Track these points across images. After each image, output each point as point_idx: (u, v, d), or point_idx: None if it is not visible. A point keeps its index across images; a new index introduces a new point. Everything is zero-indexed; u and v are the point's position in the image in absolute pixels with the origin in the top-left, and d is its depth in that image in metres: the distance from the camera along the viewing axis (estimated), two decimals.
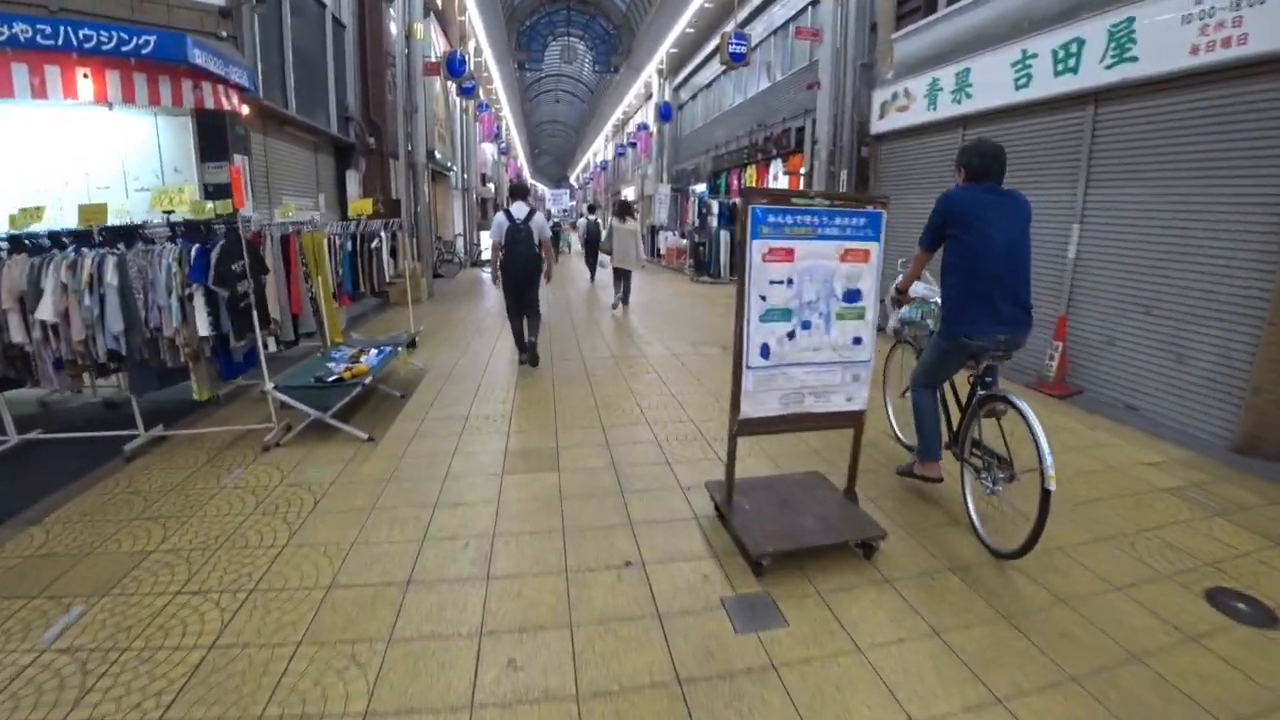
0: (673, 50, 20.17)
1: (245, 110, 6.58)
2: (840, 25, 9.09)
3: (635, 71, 24.71)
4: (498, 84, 24.86)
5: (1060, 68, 6.03)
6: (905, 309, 4.04)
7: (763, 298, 2.77)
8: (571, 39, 25.78)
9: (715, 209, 14.45)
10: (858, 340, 2.97)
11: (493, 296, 11.07)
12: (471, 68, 16.62)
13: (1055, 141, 6.27)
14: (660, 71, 22.28)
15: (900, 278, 3.67)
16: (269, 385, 4.19)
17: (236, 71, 6.17)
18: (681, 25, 17.35)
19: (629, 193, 33.04)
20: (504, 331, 8.00)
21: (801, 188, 12.28)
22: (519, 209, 5.99)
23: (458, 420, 4.74)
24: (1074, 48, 5.89)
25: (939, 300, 3.45)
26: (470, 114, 19.23)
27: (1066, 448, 4.34)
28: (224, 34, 6.51)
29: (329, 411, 4.28)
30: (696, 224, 18.68)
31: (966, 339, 3.02)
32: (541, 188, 63.74)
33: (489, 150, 29.51)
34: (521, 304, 6.18)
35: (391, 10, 11.24)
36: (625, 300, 10.25)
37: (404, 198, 10.81)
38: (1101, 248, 5.80)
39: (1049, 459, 2.55)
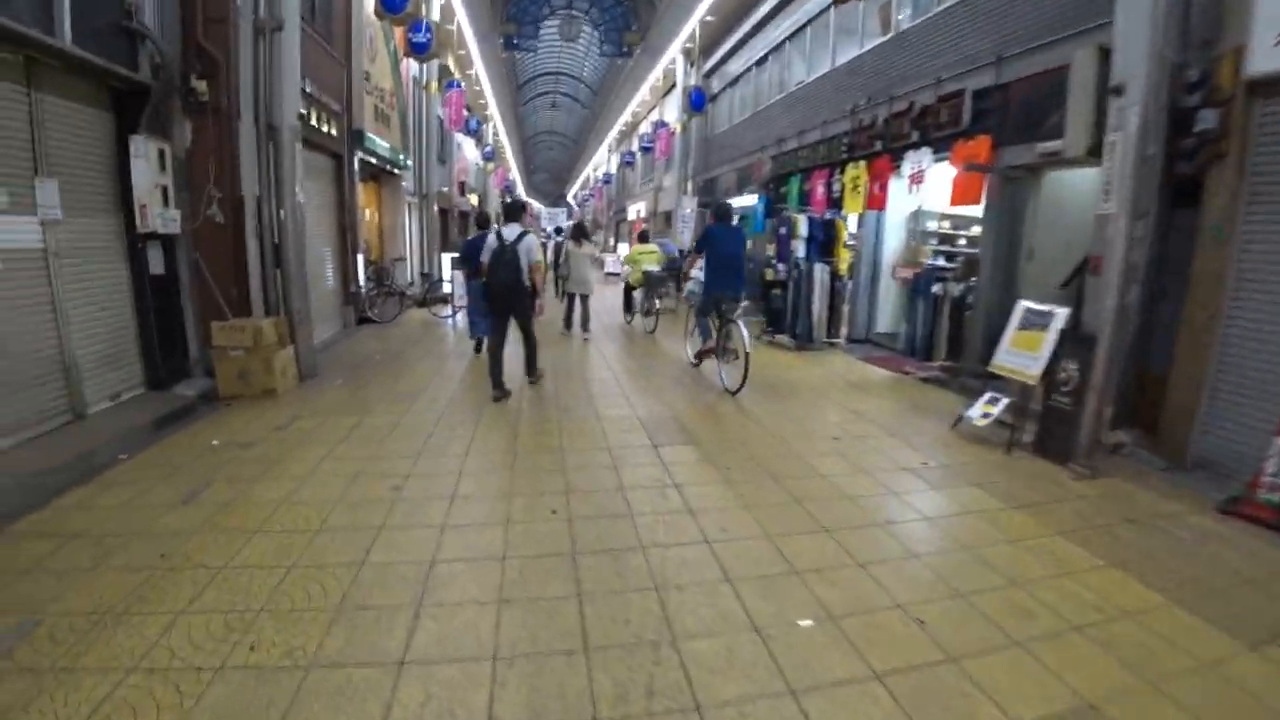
0: (709, 19, 15.15)
1: None
2: None
3: (653, 55, 19.61)
4: (479, 67, 19.64)
5: None
6: (689, 284, 9.49)
7: None
8: (574, 15, 20.65)
9: (804, 229, 9.08)
10: None
11: (447, 366, 6.66)
12: (435, 19, 11.54)
13: None
14: (687, 51, 17.25)
15: (685, 266, 9.09)
16: None
17: None
18: None
19: (639, 209, 28.08)
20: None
21: (985, 193, 7.04)
22: (511, 230, 5.42)
23: None
24: None
25: (702, 279, 6.92)
26: (433, 92, 13.92)
27: None
28: None
29: None
30: (772, 255, 12.70)
31: (717, 293, 6.44)
32: (538, 206, 58.71)
33: (470, 152, 24.25)
34: (504, 330, 5.54)
35: None
36: (585, 325, 9.53)
37: (251, 194, 5.58)
38: None
39: (748, 341, 5.90)
